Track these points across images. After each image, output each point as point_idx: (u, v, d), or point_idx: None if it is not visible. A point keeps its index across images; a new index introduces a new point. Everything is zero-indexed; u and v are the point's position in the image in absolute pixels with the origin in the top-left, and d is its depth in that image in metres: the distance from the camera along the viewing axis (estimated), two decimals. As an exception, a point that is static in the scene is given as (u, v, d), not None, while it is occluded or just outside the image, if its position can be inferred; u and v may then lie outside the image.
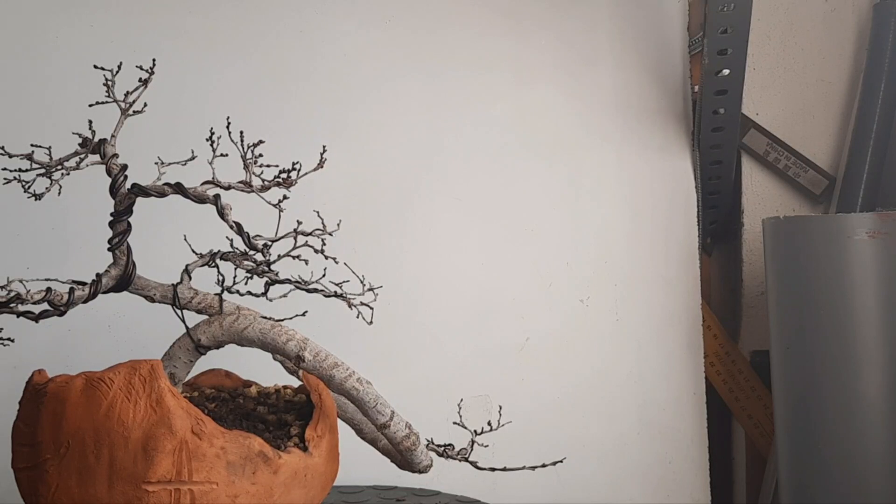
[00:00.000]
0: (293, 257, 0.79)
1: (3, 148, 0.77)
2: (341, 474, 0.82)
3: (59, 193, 0.78)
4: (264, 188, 0.75)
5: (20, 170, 0.77)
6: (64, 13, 1.21)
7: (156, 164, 0.80)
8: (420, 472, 0.82)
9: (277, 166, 0.76)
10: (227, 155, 0.76)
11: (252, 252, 0.77)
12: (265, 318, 0.77)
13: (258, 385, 0.86)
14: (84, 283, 0.74)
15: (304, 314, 0.82)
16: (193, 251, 0.82)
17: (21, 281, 0.70)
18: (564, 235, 1.39)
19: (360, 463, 0.94)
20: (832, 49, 1.56)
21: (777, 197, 1.56)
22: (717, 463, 1.48)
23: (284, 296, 0.80)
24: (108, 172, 0.75)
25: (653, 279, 1.43)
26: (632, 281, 1.42)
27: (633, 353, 1.41)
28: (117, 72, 0.76)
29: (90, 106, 0.76)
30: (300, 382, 0.85)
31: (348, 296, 0.81)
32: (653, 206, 1.44)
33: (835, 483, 1.26)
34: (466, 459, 0.82)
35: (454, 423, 0.83)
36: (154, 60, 0.77)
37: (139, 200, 0.75)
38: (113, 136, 0.76)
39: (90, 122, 0.77)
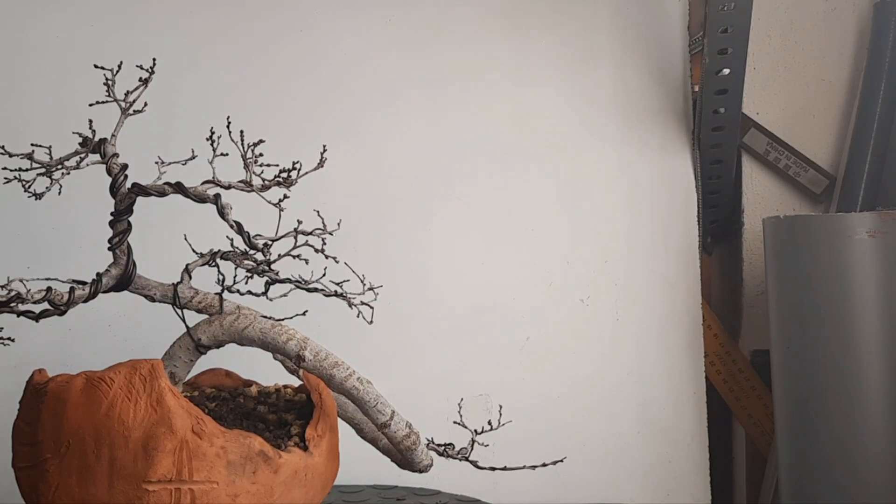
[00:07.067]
0: (293, 257, 0.79)
1: (3, 147, 0.77)
2: (341, 473, 0.82)
3: (60, 193, 0.78)
4: (264, 188, 0.75)
5: (20, 169, 0.77)
6: (64, 13, 1.21)
7: (156, 163, 0.80)
8: (420, 471, 0.82)
9: (277, 166, 0.76)
10: (227, 154, 0.77)
11: (252, 251, 0.77)
12: (265, 317, 0.77)
13: (258, 384, 0.87)
14: (84, 283, 0.74)
15: (304, 314, 0.82)
16: (194, 251, 0.83)
17: (21, 280, 0.70)
18: (564, 235, 1.39)
19: (361, 462, 0.94)
20: (833, 48, 1.56)
21: (777, 196, 1.56)
22: (717, 462, 1.48)
23: (285, 295, 0.80)
24: (109, 172, 0.75)
25: (653, 279, 1.43)
26: (632, 280, 1.42)
27: (633, 353, 1.41)
28: (117, 71, 0.76)
29: (90, 105, 0.76)
30: (300, 382, 0.85)
31: (349, 295, 0.81)
32: (653, 206, 1.44)
33: (835, 483, 1.26)
34: (467, 459, 0.82)
35: (454, 422, 0.83)
36: (154, 60, 0.77)
37: (139, 200, 0.75)
38: (113, 135, 0.76)
39: (90, 121, 0.77)
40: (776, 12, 1.55)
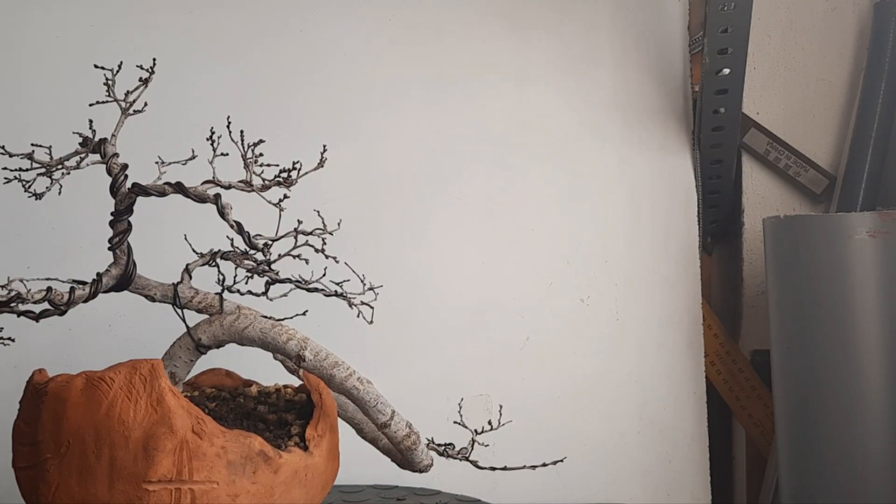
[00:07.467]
0: (294, 257, 0.79)
1: (3, 147, 0.77)
2: (342, 473, 0.82)
3: (60, 193, 0.78)
4: (265, 187, 0.75)
5: (21, 169, 0.77)
6: (64, 12, 1.21)
7: (156, 163, 0.80)
8: (420, 471, 0.82)
9: (278, 166, 0.76)
10: (227, 154, 0.76)
11: (252, 251, 0.77)
12: (265, 317, 0.77)
13: (259, 384, 0.87)
14: (84, 283, 0.74)
15: (304, 313, 0.82)
16: (194, 250, 0.82)
17: (22, 280, 0.70)
18: (564, 235, 1.39)
19: (361, 462, 0.94)
20: (833, 48, 1.56)
21: (777, 196, 1.56)
22: (717, 462, 1.48)
23: (285, 295, 0.80)
24: (109, 172, 0.75)
25: (653, 279, 1.43)
26: (632, 281, 1.42)
27: (633, 353, 1.41)
28: (117, 71, 0.76)
29: (90, 105, 0.76)
30: (301, 382, 0.85)
31: (349, 295, 0.81)
32: (653, 206, 1.44)
33: (835, 483, 1.26)
34: (467, 459, 0.82)
35: (455, 422, 0.83)
36: (154, 60, 0.77)
37: (140, 200, 0.75)
38: (113, 135, 0.76)
39: (90, 121, 0.77)
40: (776, 12, 1.55)
